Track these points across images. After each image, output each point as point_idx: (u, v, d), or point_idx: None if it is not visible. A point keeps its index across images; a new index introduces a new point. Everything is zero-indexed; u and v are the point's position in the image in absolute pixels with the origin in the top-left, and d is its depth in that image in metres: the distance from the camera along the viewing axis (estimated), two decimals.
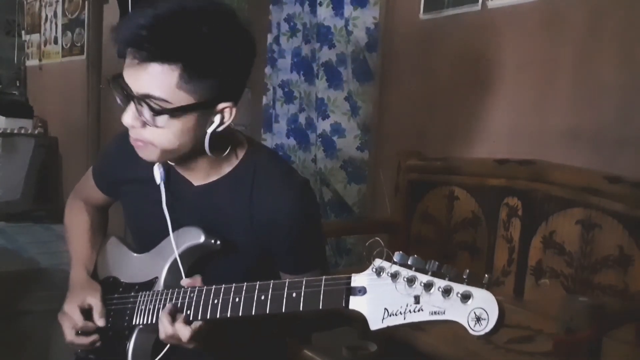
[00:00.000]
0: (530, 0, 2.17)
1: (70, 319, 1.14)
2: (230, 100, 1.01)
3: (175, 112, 0.96)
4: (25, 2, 6.27)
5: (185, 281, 1.06)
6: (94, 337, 1.14)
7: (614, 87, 1.94)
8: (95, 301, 1.15)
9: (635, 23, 1.89)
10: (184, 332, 0.98)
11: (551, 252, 1.91)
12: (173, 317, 1.00)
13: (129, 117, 0.98)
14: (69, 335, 1.14)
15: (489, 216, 2.12)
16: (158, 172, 1.11)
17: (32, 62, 6.15)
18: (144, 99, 0.95)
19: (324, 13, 2.98)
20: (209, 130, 1.01)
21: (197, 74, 0.94)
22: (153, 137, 0.99)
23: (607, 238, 1.75)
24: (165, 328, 0.99)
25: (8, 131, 5.39)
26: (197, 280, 1.04)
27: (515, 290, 2.00)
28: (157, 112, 0.95)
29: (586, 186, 1.80)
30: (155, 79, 0.93)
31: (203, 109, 0.98)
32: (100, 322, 1.14)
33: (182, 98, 0.95)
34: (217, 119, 1.01)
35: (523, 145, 2.20)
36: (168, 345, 1.06)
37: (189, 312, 1.00)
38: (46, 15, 5.82)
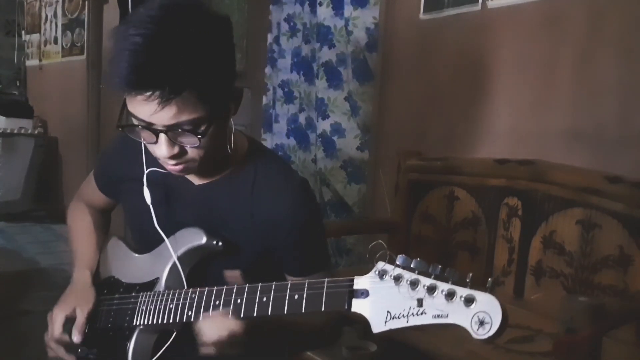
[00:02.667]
0: (530, 0, 2.17)
1: (53, 325, 1.16)
2: (235, 81, 1.01)
3: (212, 123, 0.95)
4: (25, 2, 6.27)
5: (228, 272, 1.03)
6: (70, 357, 1.14)
7: (613, 87, 1.94)
8: (80, 315, 1.15)
9: (635, 23, 1.89)
10: (234, 325, 0.94)
11: (551, 252, 1.91)
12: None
13: (166, 149, 0.96)
14: (49, 340, 1.16)
15: (489, 216, 2.12)
16: (148, 193, 1.11)
17: (32, 62, 6.15)
18: (175, 128, 0.93)
19: (324, 13, 2.98)
20: (232, 118, 1.03)
21: (208, 82, 0.93)
22: (195, 154, 0.99)
23: (607, 238, 1.75)
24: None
25: (8, 131, 5.39)
26: (236, 273, 1.02)
27: (515, 290, 2.00)
28: (203, 134, 0.94)
29: (586, 186, 1.80)
30: (178, 109, 0.91)
31: (227, 105, 0.99)
32: (75, 337, 1.13)
33: (207, 108, 0.94)
34: (232, 104, 1.02)
35: (523, 145, 2.20)
36: (166, 345, 1.06)
37: (190, 313, 1.00)
38: (46, 15, 5.82)
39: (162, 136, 0.95)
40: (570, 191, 1.85)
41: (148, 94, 0.89)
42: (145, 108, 0.91)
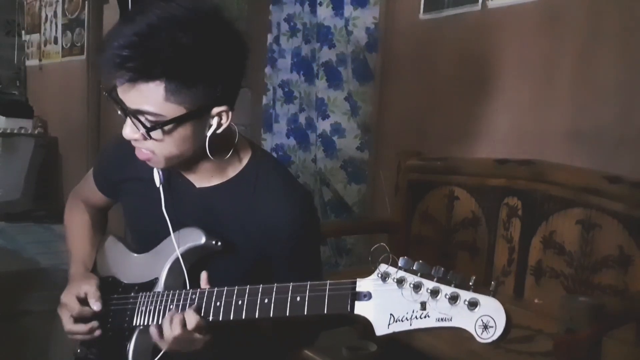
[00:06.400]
0: (530, 0, 2.17)
1: (67, 307, 1.15)
2: (225, 104, 1.00)
3: (168, 126, 0.96)
4: (25, 2, 6.27)
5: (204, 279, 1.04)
6: (93, 323, 1.14)
7: (613, 87, 1.94)
8: (89, 288, 1.15)
9: (635, 23, 1.89)
10: (192, 318, 0.97)
11: (551, 252, 1.91)
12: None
13: (128, 130, 0.99)
14: (67, 323, 1.14)
15: (489, 216, 2.12)
16: (157, 175, 1.11)
17: (32, 62, 6.15)
18: (136, 114, 0.96)
19: (324, 13, 2.98)
20: (208, 134, 1.01)
21: (183, 85, 0.94)
22: (154, 147, 1.00)
23: (607, 238, 1.75)
24: (172, 330, 0.98)
25: (8, 131, 5.39)
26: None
27: (515, 290, 2.00)
28: (149, 129, 0.96)
29: (586, 186, 1.80)
30: (143, 96, 0.94)
31: (196, 117, 0.98)
32: (95, 305, 1.13)
33: (173, 110, 0.95)
34: (214, 122, 1.00)
35: (523, 145, 2.20)
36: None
37: None
38: (46, 15, 5.82)
39: (128, 117, 0.97)
40: (570, 191, 1.85)
41: (120, 67, 0.92)
42: (119, 85, 0.95)
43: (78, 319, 1.14)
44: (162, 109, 0.95)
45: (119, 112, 0.99)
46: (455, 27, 2.46)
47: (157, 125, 0.96)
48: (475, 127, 2.39)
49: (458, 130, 2.46)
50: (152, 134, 0.97)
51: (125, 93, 0.95)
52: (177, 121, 0.96)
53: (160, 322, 1.04)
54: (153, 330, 1.02)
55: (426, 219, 2.38)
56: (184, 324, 0.97)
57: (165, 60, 0.91)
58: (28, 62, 6.24)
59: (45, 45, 5.86)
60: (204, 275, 1.03)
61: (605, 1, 1.98)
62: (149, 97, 0.94)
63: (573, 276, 1.84)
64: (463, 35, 2.43)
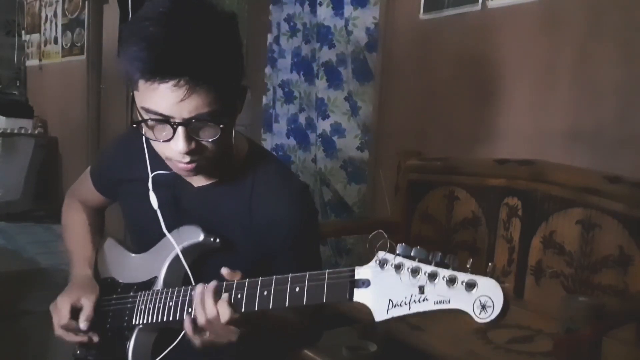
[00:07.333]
0: (530, 0, 2.17)
1: (59, 314, 1.14)
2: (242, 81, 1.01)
3: (232, 116, 0.97)
4: (25, 2, 6.28)
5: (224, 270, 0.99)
6: (82, 337, 1.13)
7: (613, 87, 1.94)
8: (87, 303, 1.14)
9: (634, 23, 1.89)
10: (225, 311, 0.93)
11: (551, 252, 1.91)
12: (218, 295, 0.95)
13: (183, 143, 0.93)
14: (56, 329, 1.14)
15: (489, 216, 2.12)
16: (154, 198, 1.10)
17: (32, 62, 6.16)
18: (198, 119, 0.92)
19: (324, 13, 2.98)
20: (237, 116, 1.02)
21: (227, 78, 0.94)
22: (213, 150, 0.98)
23: (607, 238, 1.75)
24: (208, 308, 0.94)
25: (8, 131, 5.40)
26: (237, 274, 0.99)
27: (515, 290, 2.00)
28: (228, 125, 0.95)
29: (586, 186, 1.80)
30: (204, 100, 0.91)
31: (235, 100, 0.99)
32: (83, 324, 1.12)
33: (222, 101, 0.94)
34: (239, 102, 1.02)
35: (523, 145, 2.20)
36: (174, 343, 1.05)
37: (190, 309, 1.00)
38: (46, 15, 5.83)
39: (180, 130, 0.93)
40: (570, 191, 1.85)
41: (175, 81, 0.88)
42: (168, 98, 0.90)
43: (65, 329, 1.14)
44: (217, 103, 0.92)
45: (157, 138, 0.95)
46: (455, 27, 2.46)
47: (231, 120, 0.96)
48: (475, 127, 2.39)
49: (458, 130, 2.46)
50: (223, 130, 0.94)
51: (177, 105, 0.90)
52: (229, 111, 0.96)
53: (159, 320, 1.04)
54: (187, 325, 0.98)
55: (426, 219, 2.38)
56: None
57: (208, 58, 0.90)
58: (28, 62, 6.25)
59: (45, 45, 5.87)
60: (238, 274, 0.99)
61: (605, 1, 1.98)
62: (207, 97, 0.91)
63: (573, 276, 1.84)
64: (463, 35, 2.43)
